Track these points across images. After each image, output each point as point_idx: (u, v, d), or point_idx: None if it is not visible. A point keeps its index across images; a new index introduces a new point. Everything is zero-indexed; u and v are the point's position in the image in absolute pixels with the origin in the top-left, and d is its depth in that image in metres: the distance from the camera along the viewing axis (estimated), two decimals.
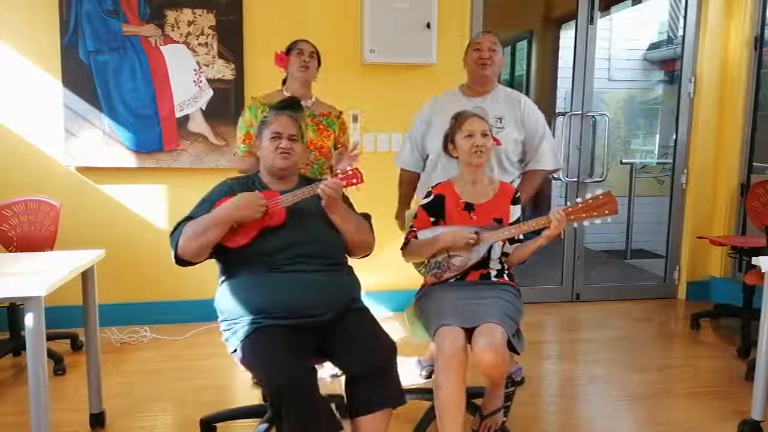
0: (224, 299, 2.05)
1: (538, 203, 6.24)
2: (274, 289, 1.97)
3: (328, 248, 2.11)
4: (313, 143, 2.68)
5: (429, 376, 2.90)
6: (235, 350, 1.98)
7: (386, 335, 2.00)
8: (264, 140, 2.17)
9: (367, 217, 2.28)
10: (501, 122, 2.72)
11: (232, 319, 2.01)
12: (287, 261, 2.02)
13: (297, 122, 2.21)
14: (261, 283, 1.99)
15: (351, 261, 2.26)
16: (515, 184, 2.80)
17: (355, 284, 2.18)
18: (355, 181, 2.09)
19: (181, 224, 2.05)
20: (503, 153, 2.72)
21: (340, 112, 2.86)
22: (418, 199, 2.92)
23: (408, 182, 2.96)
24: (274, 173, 2.17)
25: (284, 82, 2.82)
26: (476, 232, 2.21)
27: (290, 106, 2.27)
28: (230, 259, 2.07)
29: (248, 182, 2.19)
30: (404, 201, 3.00)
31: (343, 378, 2.00)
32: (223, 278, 2.13)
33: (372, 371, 1.91)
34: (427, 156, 2.85)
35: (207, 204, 2.10)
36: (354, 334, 1.98)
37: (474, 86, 2.81)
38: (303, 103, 2.74)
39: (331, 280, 2.06)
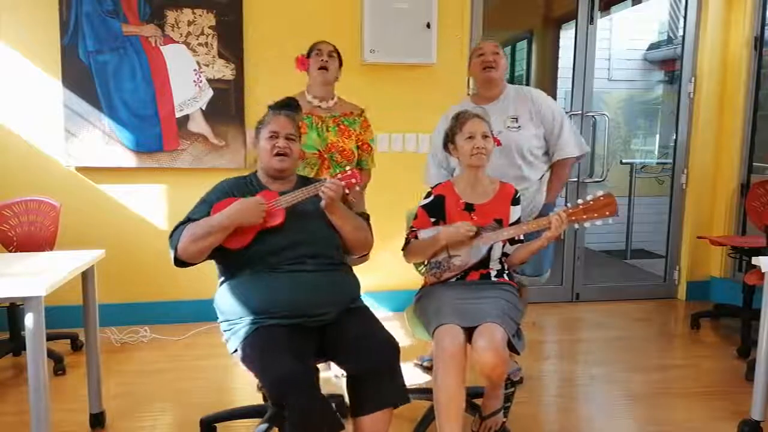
0: (224, 300, 2.05)
1: None
2: (275, 288, 1.97)
3: (328, 248, 2.12)
4: (334, 146, 2.68)
5: (430, 368, 2.89)
6: (236, 350, 1.98)
7: (389, 334, 2.00)
8: (261, 140, 2.16)
9: (365, 216, 2.28)
10: (516, 122, 2.72)
11: (233, 319, 2.01)
12: (288, 261, 2.02)
13: (295, 122, 2.21)
14: (262, 283, 1.99)
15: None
16: (545, 178, 2.81)
17: (355, 283, 2.18)
18: (354, 181, 2.10)
19: (180, 226, 2.05)
20: (527, 150, 2.72)
21: (362, 110, 2.84)
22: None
23: None
24: (271, 174, 2.17)
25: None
26: (476, 227, 2.21)
27: (288, 105, 2.26)
28: (230, 259, 2.06)
29: (246, 183, 2.19)
30: None
31: (344, 378, 1.99)
32: (222, 279, 2.13)
33: (376, 370, 1.90)
34: (453, 169, 2.86)
35: (206, 205, 2.09)
36: (357, 334, 1.98)
37: (483, 92, 2.83)
38: (324, 104, 2.75)
39: (332, 280, 2.06)
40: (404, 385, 1.97)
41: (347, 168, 2.13)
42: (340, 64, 2.80)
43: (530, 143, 2.73)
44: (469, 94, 2.91)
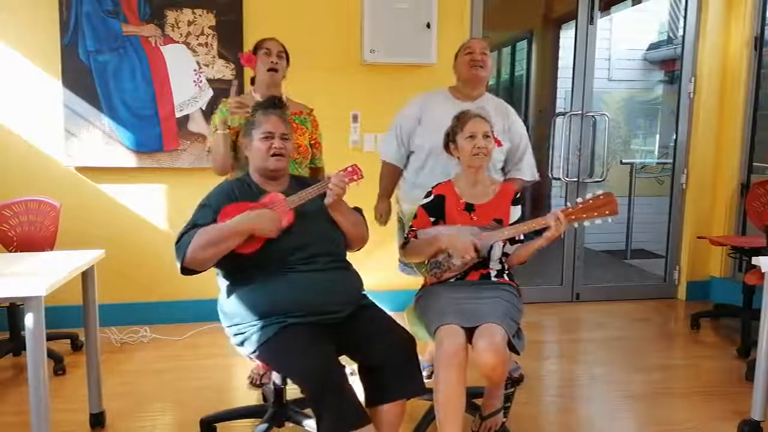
0: (234, 303, 2.04)
1: (537, 204, 6.25)
2: (292, 289, 1.98)
3: (335, 246, 2.14)
4: None
5: (429, 377, 2.90)
6: (255, 352, 1.98)
7: (403, 328, 2.04)
8: (254, 140, 2.15)
9: (359, 211, 2.30)
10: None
11: (246, 322, 2.00)
12: (300, 261, 2.03)
13: (286, 121, 2.21)
14: (278, 284, 1.99)
15: (349, 258, 2.27)
16: None
17: (360, 280, 2.20)
18: (356, 177, 2.13)
19: (186, 233, 2.01)
20: (490, 160, 2.73)
21: (311, 110, 2.81)
22: (399, 199, 2.95)
23: (390, 176, 2.97)
24: (266, 174, 2.16)
25: (252, 81, 2.76)
26: (476, 250, 2.19)
27: (275, 105, 2.26)
28: (239, 263, 2.04)
29: (243, 184, 2.18)
30: (385, 194, 3.01)
31: (353, 372, 2.01)
32: (228, 283, 2.12)
33: (397, 361, 1.93)
34: (411, 153, 2.87)
35: (209, 209, 2.07)
36: (374, 328, 2.01)
37: (466, 89, 2.83)
38: None
39: (342, 278, 2.09)
40: (422, 377, 2.00)
41: (347, 166, 2.14)
42: (288, 63, 2.73)
43: (496, 154, 2.73)
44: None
